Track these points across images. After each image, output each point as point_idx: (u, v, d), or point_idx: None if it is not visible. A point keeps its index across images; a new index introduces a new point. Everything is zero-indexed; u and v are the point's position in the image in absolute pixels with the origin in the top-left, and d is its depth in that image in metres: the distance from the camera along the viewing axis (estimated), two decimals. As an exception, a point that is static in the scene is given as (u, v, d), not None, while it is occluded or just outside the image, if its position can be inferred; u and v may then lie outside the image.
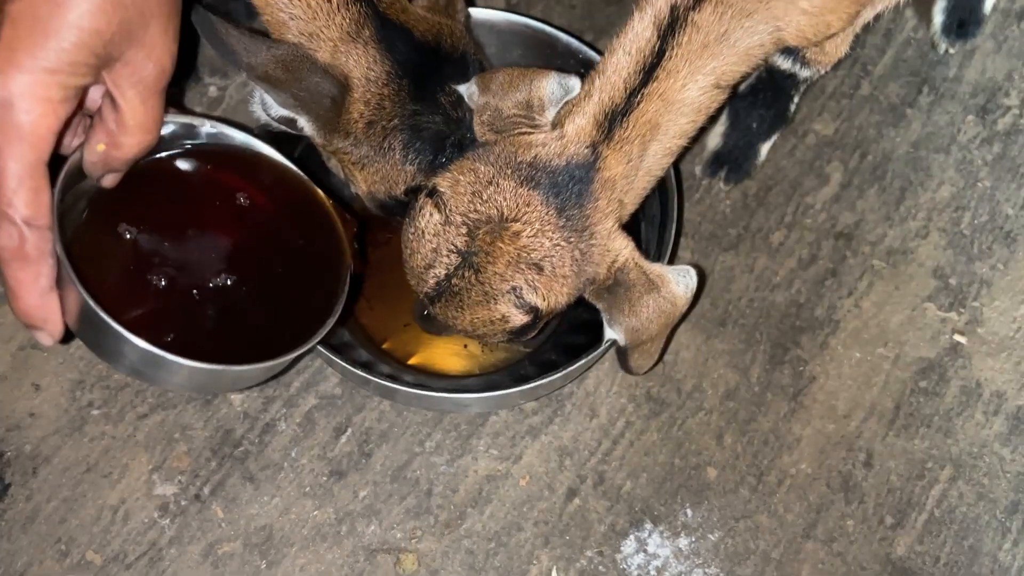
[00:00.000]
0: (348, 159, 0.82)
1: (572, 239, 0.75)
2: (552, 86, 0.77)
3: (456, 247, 0.75)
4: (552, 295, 0.76)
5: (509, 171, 0.75)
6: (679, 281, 0.78)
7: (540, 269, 0.75)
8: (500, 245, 0.74)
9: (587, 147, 0.75)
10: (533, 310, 0.76)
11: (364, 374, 0.83)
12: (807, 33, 0.78)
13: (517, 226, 0.74)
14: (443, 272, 0.76)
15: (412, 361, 0.96)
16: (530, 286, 0.75)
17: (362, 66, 0.78)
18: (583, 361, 0.85)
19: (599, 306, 0.79)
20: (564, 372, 0.84)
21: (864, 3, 0.82)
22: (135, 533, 0.89)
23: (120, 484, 0.90)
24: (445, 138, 0.81)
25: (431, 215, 0.76)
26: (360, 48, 0.77)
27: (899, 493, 0.95)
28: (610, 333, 0.80)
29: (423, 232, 0.77)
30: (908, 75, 1.16)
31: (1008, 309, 1.04)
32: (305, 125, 0.80)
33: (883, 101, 1.14)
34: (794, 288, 1.04)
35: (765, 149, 1.06)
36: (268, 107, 0.79)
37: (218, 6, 1.04)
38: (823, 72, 0.96)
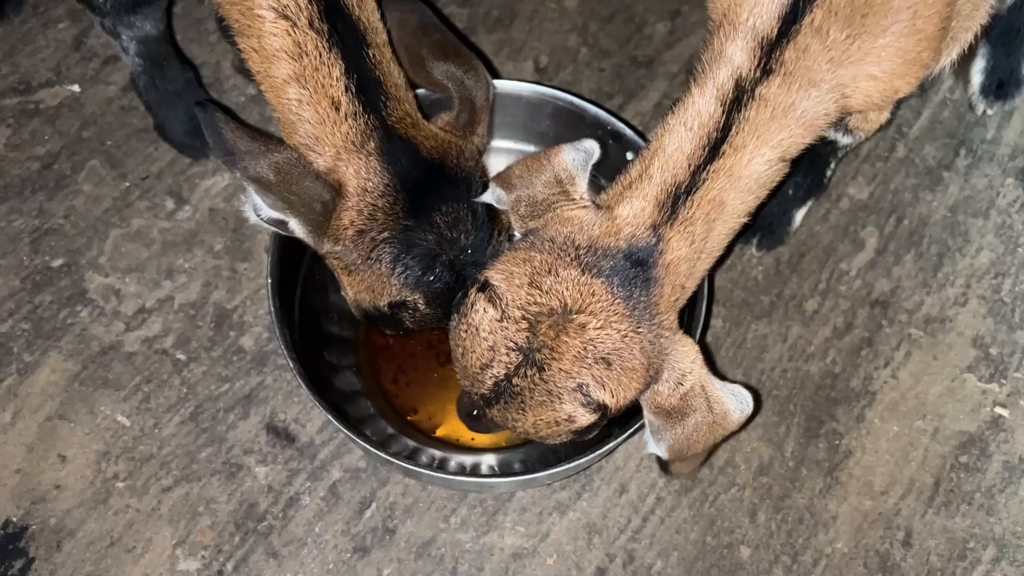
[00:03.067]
0: (338, 264, 0.82)
1: (641, 329, 0.71)
2: (571, 155, 0.76)
3: (516, 344, 0.71)
4: (621, 390, 0.72)
5: (568, 258, 0.71)
6: (736, 407, 0.75)
7: (609, 364, 0.71)
8: (565, 339, 0.70)
9: (648, 229, 0.72)
10: (601, 408, 0.72)
11: (386, 456, 0.81)
12: (875, 99, 0.75)
13: (583, 317, 0.70)
14: (502, 372, 0.71)
15: (439, 433, 0.95)
16: (598, 382, 0.71)
17: (360, 176, 0.77)
18: (614, 443, 0.83)
19: (649, 416, 0.75)
20: (595, 454, 0.82)
21: (931, 67, 0.79)
22: (157, 610, 0.88)
23: (143, 559, 0.90)
24: (436, 256, 0.80)
25: (485, 310, 0.72)
26: (361, 158, 0.77)
27: (940, 574, 0.92)
28: (652, 447, 0.76)
29: (477, 329, 0.72)
30: (945, 137, 1.14)
31: (1052, 381, 1.01)
32: (295, 227, 0.79)
33: (919, 164, 1.12)
34: (829, 358, 1.01)
35: (800, 215, 1.04)
36: (259, 209, 0.78)
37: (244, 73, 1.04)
38: (863, 139, 0.94)
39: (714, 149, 0.71)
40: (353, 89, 0.76)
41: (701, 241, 0.73)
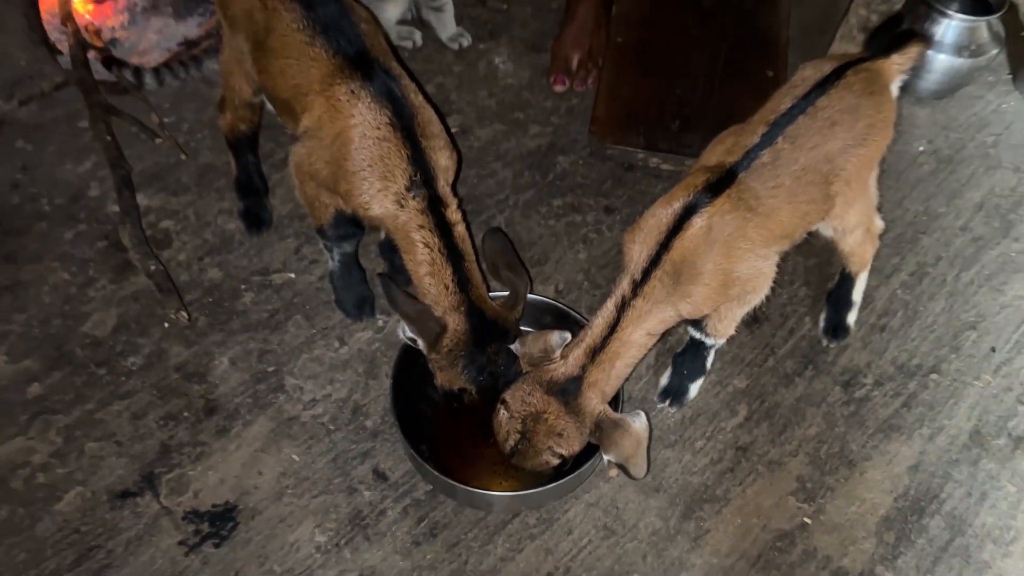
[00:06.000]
0: (436, 364, 1.57)
1: (572, 417, 1.43)
2: (555, 339, 1.51)
3: (517, 429, 1.45)
4: (570, 446, 1.44)
5: (539, 387, 1.45)
6: (635, 420, 1.44)
7: (560, 435, 1.43)
8: (539, 426, 1.43)
9: (580, 368, 1.45)
10: (561, 456, 1.45)
11: (437, 473, 1.52)
12: (693, 313, 1.49)
13: (545, 417, 1.43)
14: (513, 443, 1.46)
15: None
16: (557, 444, 1.44)
17: (454, 323, 1.54)
18: (587, 466, 1.52)
19: (597, 443, 1.45)
20: (577, 473, 1.51)
21: (719, 305, 1.53)
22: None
23: (296, 531, 1.59)
24: (483, 367, 1.54)
25: (502, 413, 1.47)
26: (456, 315, 1.54)
27: (753, 608, 1.54)
28: (607, 457, 1.45)
29: (501, 423, 1.47)
30: (800, 357, 1.85)
31: (843, 506, 1.65)
32: (421, 344, 1.56)
33: (781, 371, 1.83)
34: (706, 474, 1.68)
35: (694, 389, 1.75)
36: (406, 331, 1.56)
37: (394, 275, 1.85)
38: (720, 342, 1.66)
39: (613, 328, 1.44)
40: (456, 281, 1.53)
41: (609, 371, 1.44)
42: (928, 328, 1.90)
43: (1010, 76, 2.41)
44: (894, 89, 1.54)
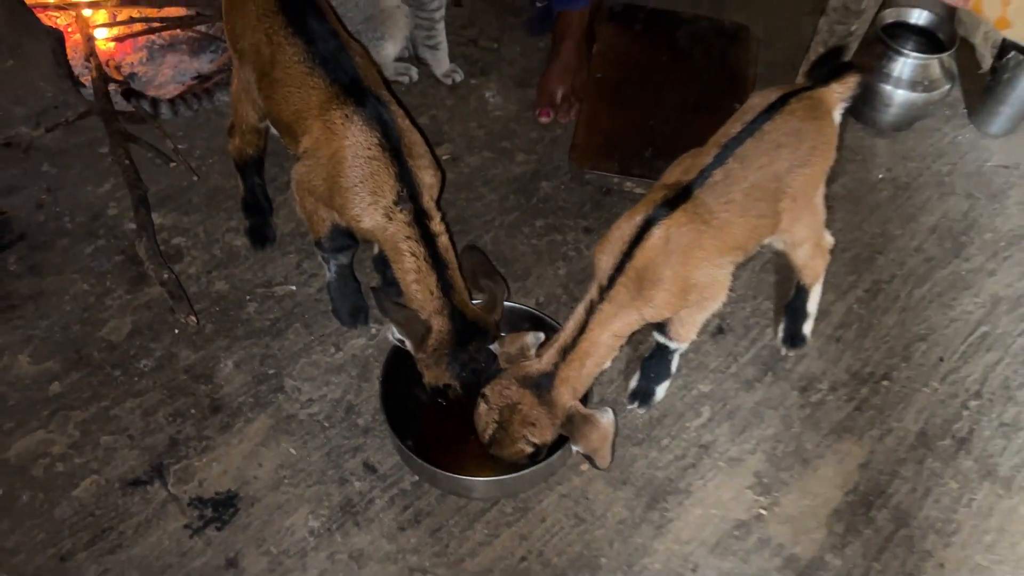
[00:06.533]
0: (423, 363, 1.72)
1: (545, 409, 1.58)
2: (530, 339, 1.66)
3: (495, 419, 1.60)
4: (543, 436, 1.59)
5: (515, 381, 1.61)
6: (603, 416, 1.58)
7: (533, 425, 1.58)
8: (514, 416, 1.58)
9: (552, 365, 1.60)
10: (535, 445, 1.60)
11: (421, 462, 1.66)
12: (655, 317, 1.63)
13: (520, 407, 1.58)
14: (491, 432, 1.60)
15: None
16: (531, 433, 1.58)
17: (438, 325, 1.69)
18: (556, 456, 1.65)
19: (568, 435, 1.60)
20: (547, 462, 1.65)
21: (679, 309, 1.68)
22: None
23: (292, 517, 1.73)
24: (465, 364, 1.70)
25: (482, 405, 1.62)
26: (440, 317, 1.69)
27: (711, 590, 1.68)
28: (575, 448, 1.60)
29: (480, 414, 1.62)
30: (761, 364, 2.00)
31: (796, 499, 1.79)
32: (409, 345, 1.71)
33: (742, 377, 1.98)
34: (671, 469, 1.82)
35: (661, 391, 1.90)
36: (395, 334, 1.71)
37: (386, 288, 2.01)
38: (684, 347, 1.81)
39: (582, 329, 1.59)
40: (440, 287, 1.68)
41: (579, 368, 1.59)
42: (881, 339, 2.05)
43: (965, 111, 2.58)
44: (836, 115, 1.70)
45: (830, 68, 1.67)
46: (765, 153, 1.60)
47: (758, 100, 1.65)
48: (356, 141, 1.65)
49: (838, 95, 1.68)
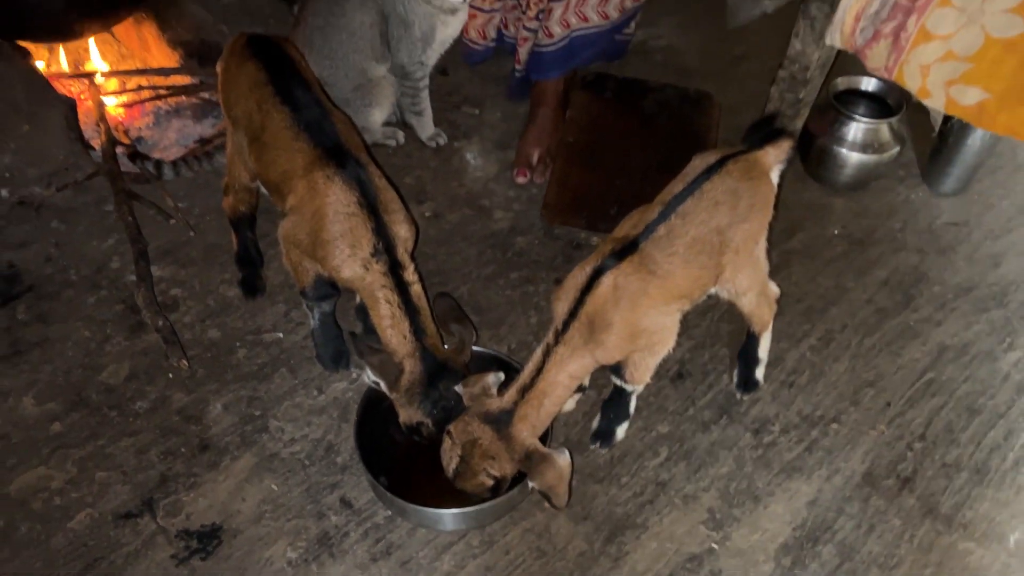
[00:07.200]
0: (398, 403, 1.86)
1: (504, 443, 1.70)
2: (491, 379, 1.79)
3: (458, 454, 1.72)
4: (502, 470, 1.71)
5: (477, 419, 1.74)
6: (560, 456, 1.70)
7: (493, 459, 1.70)
8: (475, 451, 1.70)
9: (512, 403, 1.73)
10: (495, 478, 1.71)
11: (397, 499, 1.79)
12: (607, 359, 1.77)
13: (480, 442, 1.71)
14: (454, 465, 1.72)
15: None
16: (492, 467, 1.70)
17: (410, 366, 1.84)
18: (516, 490, 1.77)
19: (526, 472, 1.71)
20: (508, 496, 1.77)
21: (628, 354, 1.81)
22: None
23: (271, 548, 1.85)
24: (436, 402, 1.83)
25: (448, 441, 1.74)
26: (412, 360, 1.84)
27: (663, 618, 1.78)
28: (532, 484, 1.71)
29: (445, 450, 1.74)
30: (717, 407, 2.13)
31: (747, 534, 1.90)
32: (383, 386, 1.85)
33: (699, 419, 2.10)
34: (630, 504, 1.94)
35: (620, 431, 2.02)
36: (370, 376, 1.85)
37: (367, 334, 2.16)
38: (639, 388, 1.94)
39: (540, 370, 1.72)
40: (413, 331, 1.83)
41: (537, 407, 1.72)
42: (832, 385, 2.18)
43: (919, 172, 2.74)
44: (774, 175, 1.86)
45: (764, 133, 1.84)
46: (705, 210, 1.75)
47: (699, 162, 1.82)
48: (337, 199, 1.82)
49: (774, 157, 1.84)
